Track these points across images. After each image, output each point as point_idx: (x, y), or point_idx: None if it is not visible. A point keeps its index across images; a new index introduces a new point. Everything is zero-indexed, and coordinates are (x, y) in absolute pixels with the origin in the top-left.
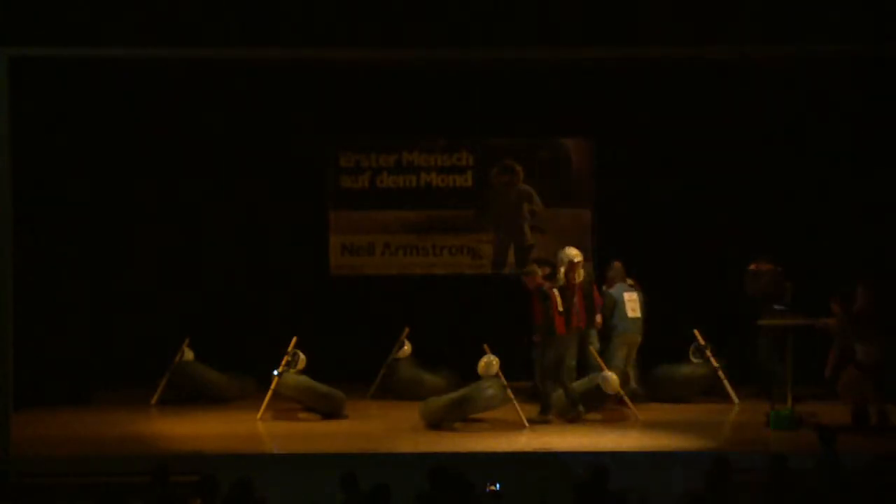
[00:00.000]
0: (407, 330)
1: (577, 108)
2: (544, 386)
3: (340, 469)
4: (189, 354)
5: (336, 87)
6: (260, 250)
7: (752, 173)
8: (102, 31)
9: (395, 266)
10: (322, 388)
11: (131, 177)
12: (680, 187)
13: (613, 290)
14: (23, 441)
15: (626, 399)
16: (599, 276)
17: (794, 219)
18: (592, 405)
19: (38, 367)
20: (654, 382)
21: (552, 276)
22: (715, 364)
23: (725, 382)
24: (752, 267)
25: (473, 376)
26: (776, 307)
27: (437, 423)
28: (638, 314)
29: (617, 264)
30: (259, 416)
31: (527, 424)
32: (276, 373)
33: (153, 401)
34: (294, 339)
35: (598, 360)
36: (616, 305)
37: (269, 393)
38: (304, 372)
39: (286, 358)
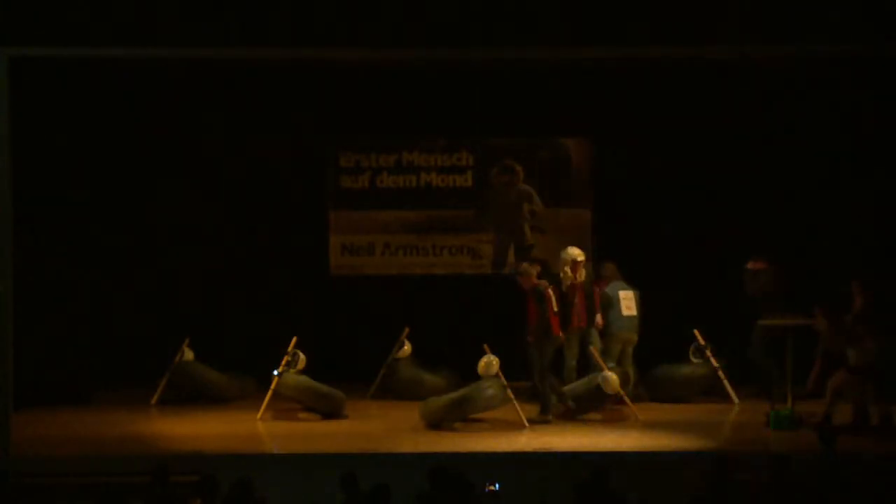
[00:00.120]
0: (407, 330)
1: (577, 108)
2: (543, 386)
3: (340, 469)
4: (189, 354)
5: (336, 87)
6: (260, 250)
7: (751, 173)
8: (103, 31)
9: (395, 266)
10: (322, 388)
11: (131, 177)
12: (680, 187)
13: (608, 289)
14: (23, 441)
15: (627, 399)
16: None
17: (793, 219)
18: (592, 405)
19: (38, 367)
20: (654, 382)
21: (543, 276)
22: (715, 364)
23: (725, 382)
24: (750, 266)
25: (473, 376)
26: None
27: (437, 423)
28: (633, 312)
29: (610, 265)
30: (259, 416)
31: (527, 424)
32: (276, 373)
33: (153, 401)
34: (294, 339)
35: (599, 360)
36: (611, 303)
37: (269, 393)
38: (304, 372)
39: (286, 358)
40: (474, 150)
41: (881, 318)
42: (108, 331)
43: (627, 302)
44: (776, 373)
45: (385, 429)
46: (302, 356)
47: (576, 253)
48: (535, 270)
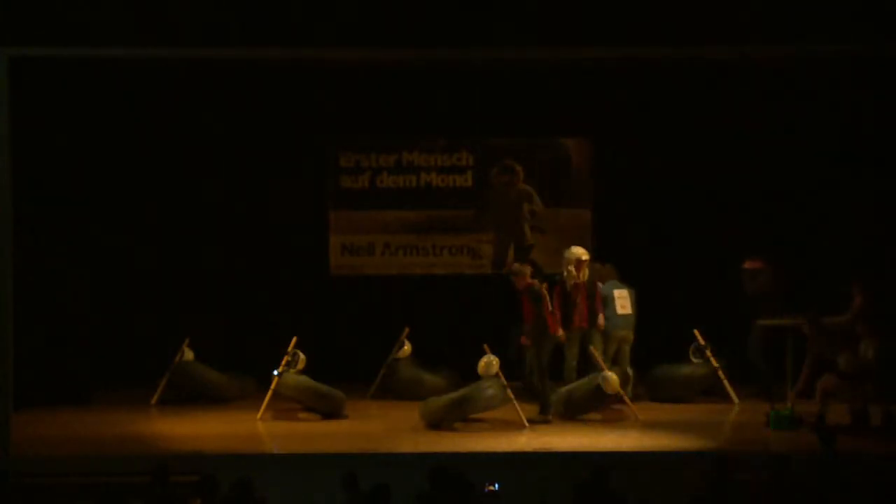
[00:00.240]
0: (407, 330)
1: (577, 108)
2: (543, 386)
3: (340, 469)
4: (189, 354)
5: (336, 87)
6: (260, 250)
7: (751, 173)
8: (102, 31)
9: (395, 266)
10: (322, 388)
11: (131, 177)
12: (679, 187)
13: (603, 288)
14: (23, 441)
15: (626, 399)
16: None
17: (793, 219)
18: (592, 405)
19: (38, 367)
20: (654, 382)
21: (534, 276)
22: (715, 364)
23: (725, 382)
24: (747, 265)
25: (473, 376)
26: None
27: (437, 423)
28: (628, 311)
29: (598, 266)
30: (259, 416)
31: (527, 424)
32: (276, 373)
33: (153, 401)
34: (294, 339)
35: (599, 360)
36: (605, 302)
37: (269, 393)
38: (304, 372)
39: (286, 358)
40: (474, 150)
41: (881, 318)
42: (108, 331)
43: (622, 301)
44: (771, 373)
45: (385, 429)
46: (302, 356)
47: (580, 252)
48: (528, 270)
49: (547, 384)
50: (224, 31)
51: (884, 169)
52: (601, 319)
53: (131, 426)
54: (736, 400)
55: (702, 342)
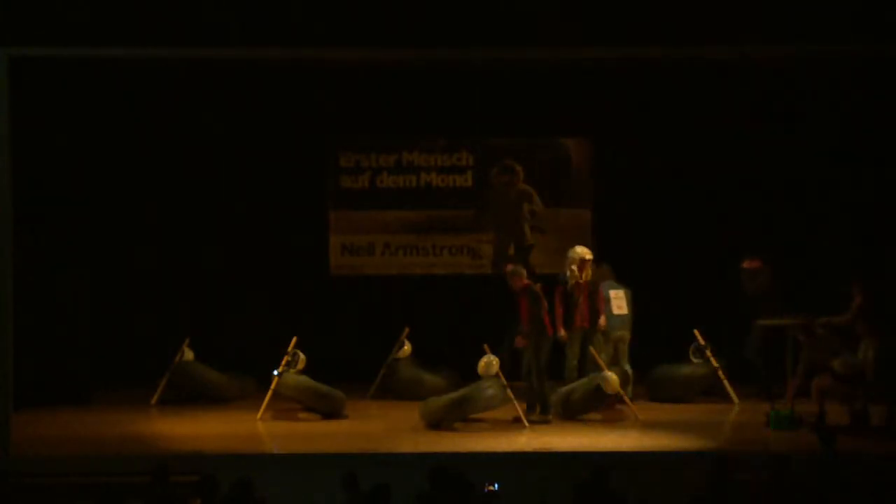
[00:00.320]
0: (407, 330)
1: (577, 108)
2: (541, 386)
3: (340, 469)
4: (189, 354)
5: (336, 87)
6: (260, 250)
7: (751, 173)
8: (102, 31)
9: (395, 266)
10: (322, 388)
11: (131, 177)
12: (679, 187)
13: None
14: (23, 441)
15: (627, 399)
16: None
17: (793, 219)
18: (592, 405)
19: (38, 367)
20: (654, 382)
21: (529, 277)
22: (715, 364)
23: (725, 382)
24: (746, 265)
25: (473, 376)
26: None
27: (437, 423)
28: (624, 311)
29: (602, 265)
30: (259, 416)
31: (527, 424)
32: (276, 373)
33: (153, 401)
34: (294, 339)
35: (599, 360)
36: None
37: (269, 393)
38: (304, 372)
39: (286, 358)
40: (474, 150)
41: (881, 318)
42: (108, 331)
43: (618, 301)
44: (770, 373)
45: (385, 429)
46: (302, 356)
47: (583, 252)
48: (524, 271)
49: (546, 385)
50: (224, 31)
51: (884, 169)
52: (602, 320)
53: (131, 426)
54: (736, 400)
55: (702, 342)
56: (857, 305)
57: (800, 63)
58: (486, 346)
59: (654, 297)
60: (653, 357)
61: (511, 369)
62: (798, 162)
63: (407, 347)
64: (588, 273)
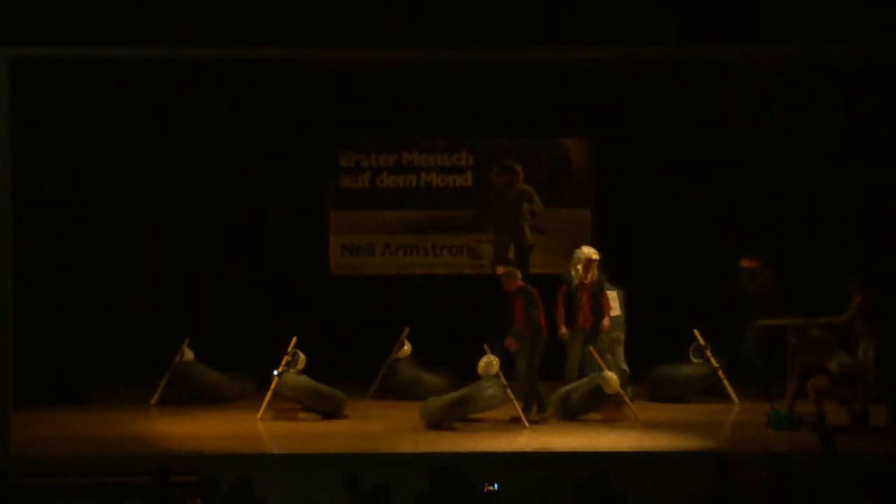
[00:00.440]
0: (407, 330)
1: (577, 108)
2: (534, 385)
3: (340, 469)
4: (189, 354)
5: (336, 87)
6: (260, 250)
7: (751, 173)
8: (102, 31)
9: (395, 266)
10: (322, 388)
11: (131, 177)
12: (679, 187)
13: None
14: (23, 441)
15: (627, 399)
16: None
17: (793, 219)
18: (592, 405)
19: (38, 367)
20: (654, 382)
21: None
22: (715, 364)
23: (725, 382)
24: (745, 265)
25: (473, 376)
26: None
27: (437, 423)
28: (618, 312)
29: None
30: (259, 416)
31: (527, 424)
32: (276, 373)
33: (153, 401)
34: (294, 339)
35: (599, 360)
36: None
37: (269, 393)
38: (304, 372)
39: (286, 358)
40: (474, 150)
41: (881, 317)
42: (108, 331)
43: (612, 302)
44: (768, 372)
45: (385, 429)
46: (302, 356)
47: (590, 252)
48: (519, 272)
49: (538, 384)
50: (224, 31)
51: (884, 169)
52: (606, 322)
53: (131, 426)
54: (736, 400)
55: (702, 342)
56: (857, 305)
57: (800, 63)
58: (486, 346)
59: (654, 297)
60: (653, 357)
61: (504, 370)
62: (798, 162)
63: (407, 347)
64: (594, 273)
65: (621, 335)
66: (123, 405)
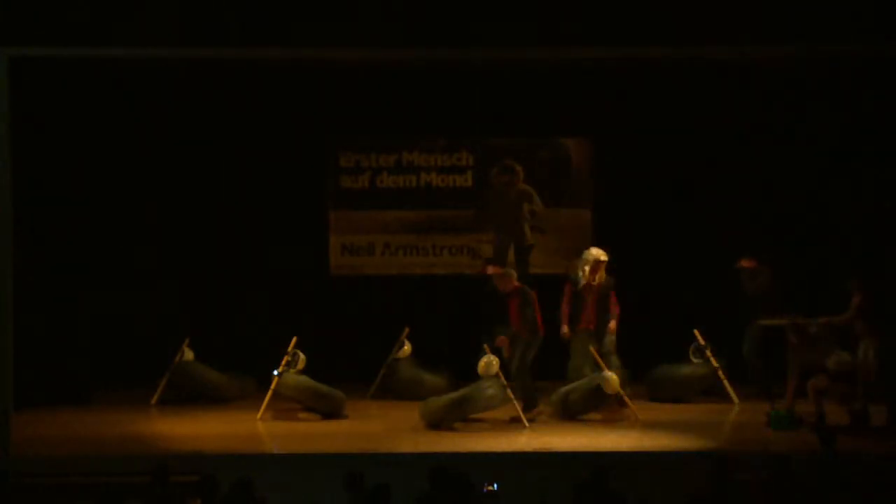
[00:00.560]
0: (407, 330)
1: (577, 108)
2: (524, 381)
3: (340, 469)
4: (189, 354)
5: (336, 87)
6: (260, 250)
7: (751, 173)
8: (102, 31)
9: (395, 266)
10: (322, 388)
11: (131, 177)
12: (679, 187)
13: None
14: (23, 441)
15: (626, 399)
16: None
17: (793, 219)
18: (591, 405)
19: (38, 367)
20: (654, 382)
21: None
22: (715, 364)
23: (725, 382)
24: (745, 265)
25: (473, 376)
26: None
27: (437, 423)
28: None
29: (576, 263)
30: (259, 416)
31: (527, 424)
32: (276, 373)
33: (153, 401)
34: (294, 339)
35: (599, 360)
36: None
37: (269, 393)
38: (304, 372)
39: (286, 358)
40: (474, 150)
41: (881, 317)
42: (108, 331)
43: None
44: (768, 372)
45: (385, 429)
46: (302, 356)
47: (598, 253)
48: (494, 269)
49: (530, 382)
50: (224, 31)
51: (884, 169)
52: (613, 325)
53: (131, 426)
54: (736, 400)
55: (702, 342)
56: (857, 305)
57: (800, 63)
58: (486, 346)
59: (654, 297)
60: (653, 357)
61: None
62: (798, 162)
63: (407, 347)
64: (601, 275)
65: (612, 336)
66: (123, 405)
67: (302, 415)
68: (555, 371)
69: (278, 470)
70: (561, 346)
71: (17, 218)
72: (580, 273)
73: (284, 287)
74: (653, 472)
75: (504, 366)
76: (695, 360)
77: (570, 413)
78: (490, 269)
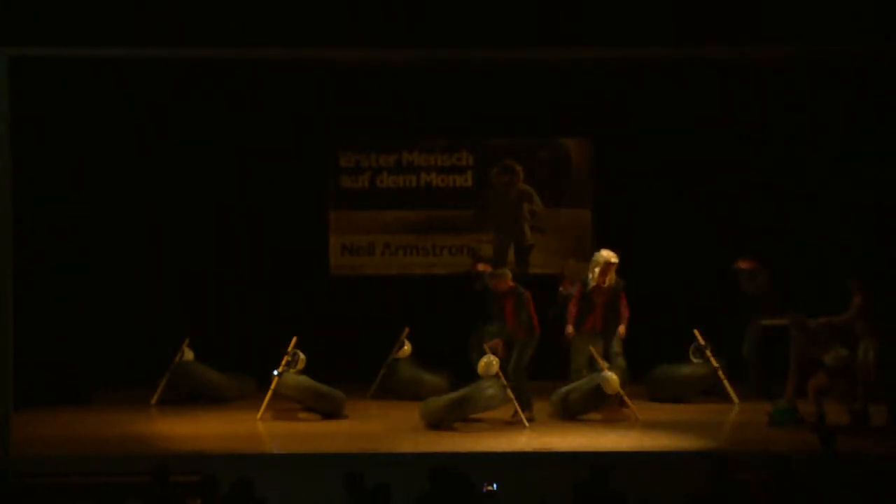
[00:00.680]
0: (407, 330)
1: (577, 108)
2: (520, 383)
3: (340, 469)
4: (189, 354)
5: (336, 87)
6: (260, 250)
7: (751, 173)
8: (102, 31)
9: (395, 266)
10: (322, 388)
11: (131, 177)
12: (679, 187)
13: (574, 289)
14: (23, 441)
15: (626, 399)
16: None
17: (793, 219)
18: (592, 405)
19: (38, 367)
20: (654, 382)
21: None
22: (715, 364)
23: (725, 382)
24: (743, 265)
25: (473, 376)
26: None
27: (437, 423)
28: None
29: (571, 262)
30: (259, 416)
31: (527, 424)
32: (276, 373)
33: (153, 401)
34: (294, 339)
35: (599, 360)
36: None
37: (269, 393)
38: (304, 372)
39: (286, 358)
40: (474, 150)
41: (881, 317)
42: (108, 331)
43: None
44: (767, 372)
45: (385, 429)
46: (302, 356)
47: (609, 255)
48: (485, 268)
49: (526, 383)
50: (224, 31)
51: (884, 169)
52: (622, 329)
53: (131, 426)
54: (736, 400)
55: (702, 342)
56: (857, 305)
57: (800, 63)
58: (486, 346)
59: (654, 297)
60: (653, 357)
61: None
62: (798, 162)
63: (407, 347)
64: (611, 277)
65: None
66: (123, 405)
67: (302, 415)
68: (555, 371)
69: (278, 470)
70: (561, 347)
71: (17, 218)
72: (589, 275)
73: (284, 287)
74: (653, 472)
75: (501, 367)
76: (695, 360)
77: (570, 413)
78: (480, 267)
